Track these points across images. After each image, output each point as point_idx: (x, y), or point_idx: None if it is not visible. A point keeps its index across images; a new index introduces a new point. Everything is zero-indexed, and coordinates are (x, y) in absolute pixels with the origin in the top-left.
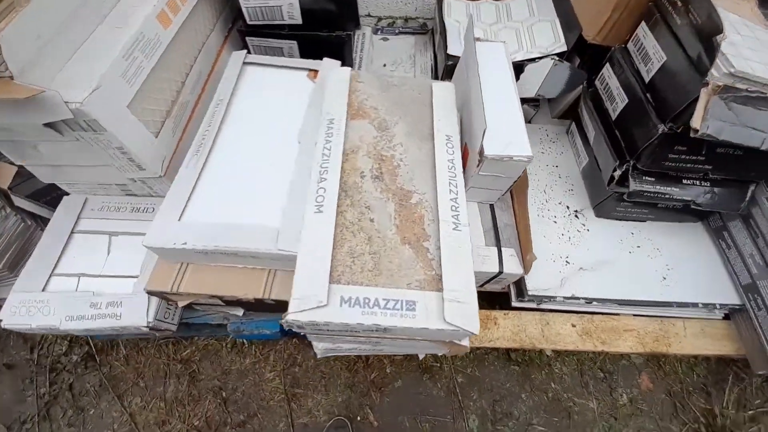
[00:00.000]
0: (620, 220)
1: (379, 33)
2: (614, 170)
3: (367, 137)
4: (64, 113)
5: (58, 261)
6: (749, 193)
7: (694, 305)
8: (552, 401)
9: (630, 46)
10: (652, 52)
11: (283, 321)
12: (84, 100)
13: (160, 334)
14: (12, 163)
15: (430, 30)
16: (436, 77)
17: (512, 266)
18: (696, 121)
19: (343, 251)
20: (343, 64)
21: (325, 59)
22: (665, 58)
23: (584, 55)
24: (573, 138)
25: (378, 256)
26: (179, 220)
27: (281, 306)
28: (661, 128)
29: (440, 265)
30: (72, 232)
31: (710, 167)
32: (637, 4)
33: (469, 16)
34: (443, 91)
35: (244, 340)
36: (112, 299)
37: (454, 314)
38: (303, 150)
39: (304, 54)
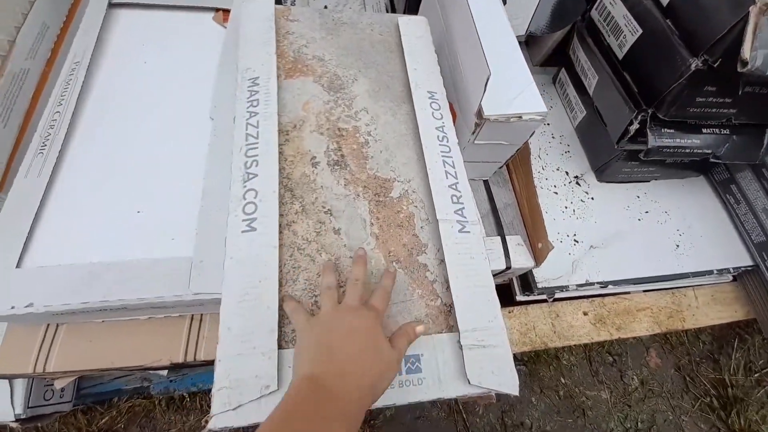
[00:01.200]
0: (624, 182)
1: None
2: (630, 123)
3: (314, 104)
4: None
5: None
6: (767, 140)
7: (709, 272)
8: (564, 399)
9: None
10: None
11: (205, 430)
12: None
13: (46, 419)
14: None
15: None
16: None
17: (521, 259)
18: (746, 51)
19: (298, 288)
20: None
21: None
22: None
23: None
24: (563, 88)
25: None
26: (18, 266)
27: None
28: (694, 63)
29: (447, 289)
30: None
31: (735, 111)
32: None
33: None
34: (415, 28)
35: (184, 393)
36: None
37: (480, 369)
38: (218, 131)
39: None
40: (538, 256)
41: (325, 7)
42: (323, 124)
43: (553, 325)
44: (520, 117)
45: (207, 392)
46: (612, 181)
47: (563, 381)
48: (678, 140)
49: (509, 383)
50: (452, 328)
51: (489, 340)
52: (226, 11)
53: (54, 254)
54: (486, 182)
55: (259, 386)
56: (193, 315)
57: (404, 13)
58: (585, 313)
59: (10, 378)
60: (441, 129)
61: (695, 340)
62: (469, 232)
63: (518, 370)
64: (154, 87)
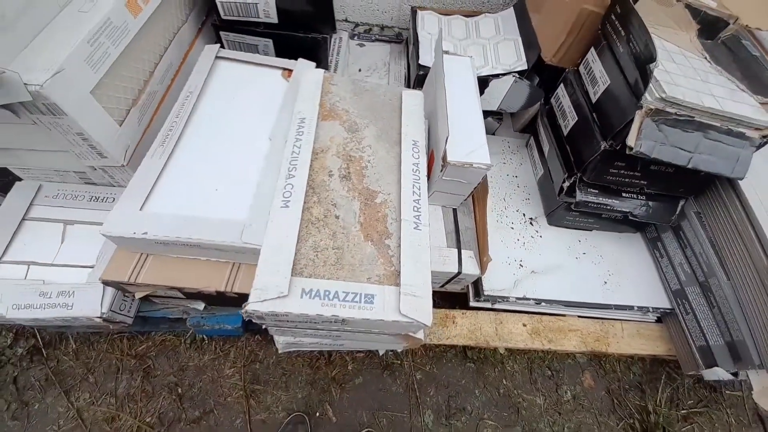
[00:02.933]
0: (570, 228)
1: (355, 38)
2: (564, 181)
3: (337, 138)
4: (23, 95)
5: (6, 248)
6: (679, 207)
7: (630, 308)
8: (503, 397)
9: (581, 68)
10: (598, 76)
11: (243, 311)
12: (44, 83)
13: (114, 327)
14: None
15: (405, 40)
16: (408, 86)
17: (470, 267)
18: (631, 140)
19: (307, 245)
20: (318, 66)
21: (300, 60)
22: (609, 82)
23: (542, 75)
24: (531, 151)
25: (341, 251)
26: (141, 209)
27: (243, 300)
28: (603, 145)
29: (399, 261)
30: (23, 219)
31: (645, 182)
32: (588, 31)
33: (439, 30)
34: (412, 99)
35: (204, 336)
36: (64, 288)
37: (409, 307)
38: (274, 148)
39: (280, 53)
40: (483, 267)
41: (359, 70)
42: (340, 151)
43: (496, 328)
44: (472, 164)
45: (221, 336)
46: (559, 226)
47: (504, 383)
48: (601, 199)
49: (425, 317)
50: (397, 284)
51: (418, 293)
52: (290, 71)
53: (164, 206)
54: (455, 210)
55: (277, 291)
56: (233, 263)
57: (414, 85)
58: (524, 324)
59: (111, 285)
60: (416, 165)
61: (627, 371)
62: (420, 230)
63: (467, 367)
64: (236, 114)
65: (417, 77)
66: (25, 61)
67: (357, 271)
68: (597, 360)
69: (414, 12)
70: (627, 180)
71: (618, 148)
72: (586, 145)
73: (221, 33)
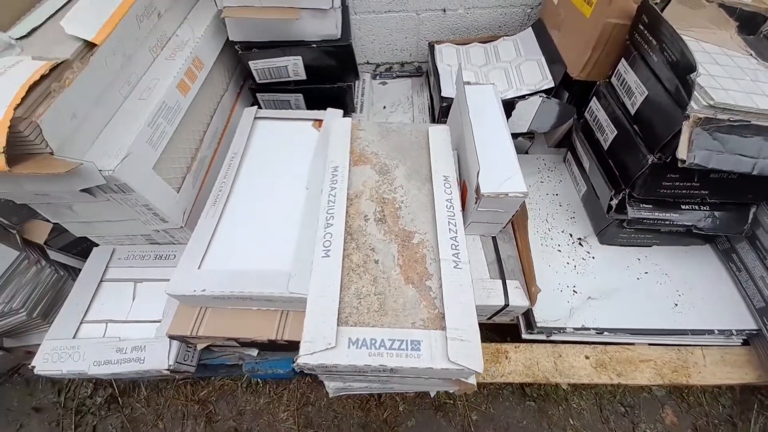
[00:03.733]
0: (625, 246)
1: (377, 78)
2: (611, 199)
3: (369, 182)
4: (98, 180)
5: (87, 309)
6: (751, 215)
7: (710, 332)
8: None
9: (613, 80)
10: (634, 87)
11: (294, 364)
12: (116, 168)
13: (179, 375)
14: (47, 220)
15: (425, 72)
16: (433, 117)
17: (518, 298)
18: (682, 152)
19: (350, 293)
20: (345, 112)
21: (329, 109)
22: (647, 92)
23: (572, 90)
24: (570, 166)
25: (383, 296)
26: (199, 268)
27: (294, 346)
28: (651, 159)
29: (443, 303)
30: (101, 281)
31: (706, 192)
32: (615, 43)
33: (458, 64)
34: (439, 134)
35: (259, 380)
36: (136, 344)
37: (457, 353)
38: (311, 197)
39: (310, 103)
40: (532, 298)
41: (384, 107)
42: (374, 195)
43: (555, 363)
44: (507, 194)
45: (276, 379)
46: (613, 244)
47: (572, 422)
48: (656, 214)
49: (476, 364)
50: (443, 327)
51: (465, 336)
52: (320, 121)
53: (219, 262)
54: (494, 238)
55: (325, 343)
56: (282, 310)
57: (439, 117)
58: (587, 357)
59: (176, 338)
60: (449, 201)
61: (714, 402)
62: (461, 269)
63: (527, 406)
64: (276, 169)
65: (441, 109)
66: (98, 150)
67: (401, 317)
68: (678, 392)
69: (431, 47)
70: (684, 191)
71: (668, 160)
72: (632, 159)
73: (257, 94)
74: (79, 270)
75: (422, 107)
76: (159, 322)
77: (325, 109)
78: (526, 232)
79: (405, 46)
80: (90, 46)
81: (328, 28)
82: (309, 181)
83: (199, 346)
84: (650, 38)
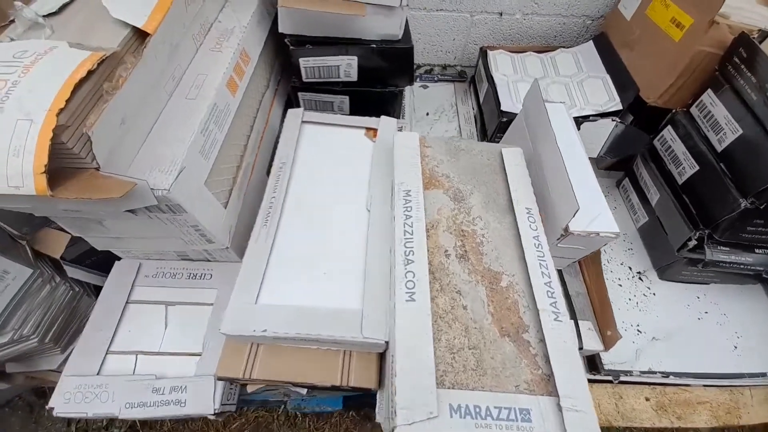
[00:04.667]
0: (684, 282)
1: (418, 80)
2: (689, 239)
3: (444, 210)
4: (149, 200)
5: (113, 337)
6: None
7: (764, 375)
8: None
9: (694, 111)
10: (723, 123)
11: None
12: (171, 187)
13: (219, 417)
14: (63, 229)
15: (471, 78)
16: (483, 129)
17: (592, 342)
18: None
19: (441, 346)
20: (391, 116)
21: (383, 117)
22: (741, 131)
23: (639, 115)
24: (627, 194)
25: (479, 351)
26: (256, 302)
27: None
28: (743, 203)
29: (546, 362)
30: (127, 302)
31: None
32: (701, 72)
33: (534, 80)
34: (514, 158)
35: (298, 413)
36: (176, 383)
37: (575, 428)
38: (374, 220)
39: (355, 107)
40: (607, 342)
41: (427, 113)
42: (451, 225)
43: (616, 405)
44: (598, 234)
45: (316, 415)
46: (672, 280)
47: None
48: (733, 257)
49: None
50: (551, 393)
51: (580, 407)
52: (374, 130)
53: (277, 296)
54: (560, 271)
55: (426, 412)
56: (343, 351)
57: (494, 132)
58: (647, 399)
59: (225, 380)
60: (536, 238)
61: None
62: (561, 321)
63: None
64: (329, 183)
65: (499, 124)
66: (145, 162)
67: (502, 377)
68: (719, 428)
69: (484, 52)
70: (764, 236)
71: (762, 206)
72: (716, 200)
73: (299, 93)
74: (94, 285)
75: (468, 117)
76: (199, 355)
77: (369, 113)
78: (600, 270)
79: (451, 48)
80: (140, 34)
81: (391, 27)
82: (369, 201)
83: (250, 389)
84: (747, 73)
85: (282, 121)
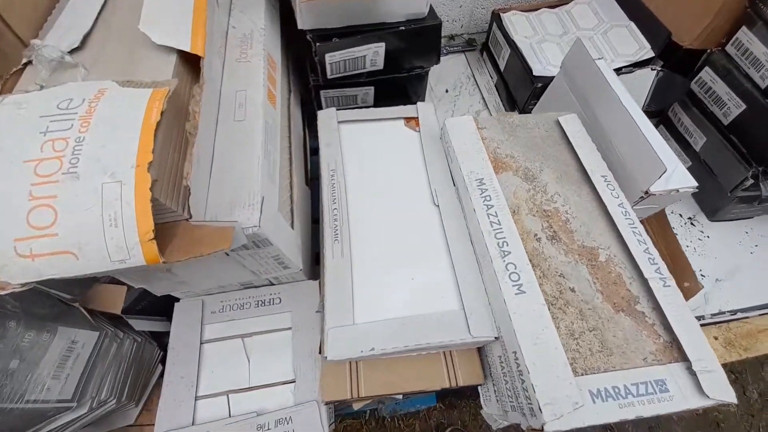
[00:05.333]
0: (733, 220)
1: None
2: (745, 179)
3: (520, 192)
4: (240, 240)
5: (197, 381)
6: None
7: None
8: (700, 416)
9: (730, 50)
10: (764, 59)
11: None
12: (260, 222)
13: None
14: (118, 282)
15: (481, 46)
16: (510, 98)
17: None
18: None
19: (562, 333)
20: (416, 100)
21: (420, 104)
22: None
23: (670, 60)
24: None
25: (599, 332)
26: (353, 323)
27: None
28: None
29: (665, 330)
30: (201, 344)
31: None
32: (730, 9)
33: (577, 40)
34: (572, 125)
35: (388, 416)
36: (279, 416)
37: (712, 387)
38: (447, 215)
39: (379, 97)
40: (686, 294)
41: (446, 90)
42: (532, 208)
43: None
44: (678, 190)
45: (405, 416)
46: (722, 220)
47: None
48: None
49: (729, 395)
50: (677, 359)
51: (711, 367)
52: (414, 119)
53: (372, 312)
54: None
55: (571, 403)
56: (443, 353)
57: (527, 100)
58: (716, 338)
59: (333, 404)
60: (621, 206)
61: None
62: (669, 286)
63: None
64: (384, 183)
65: (533, 91)
66: (220, 198)
67: (628, 353)
68: None
69: (497, 16)
70: None
71: None
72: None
73: (322, 92)
74: (153, 332)
75: (489, 87)
76: (293, 382)
77: (394, 101)
78: (666, 222)
79: (458, 16)
80: (186, 58)
81: (416, 5)
82: (436, 196)
83: (356, 406)
84: None
85: (304, 126)
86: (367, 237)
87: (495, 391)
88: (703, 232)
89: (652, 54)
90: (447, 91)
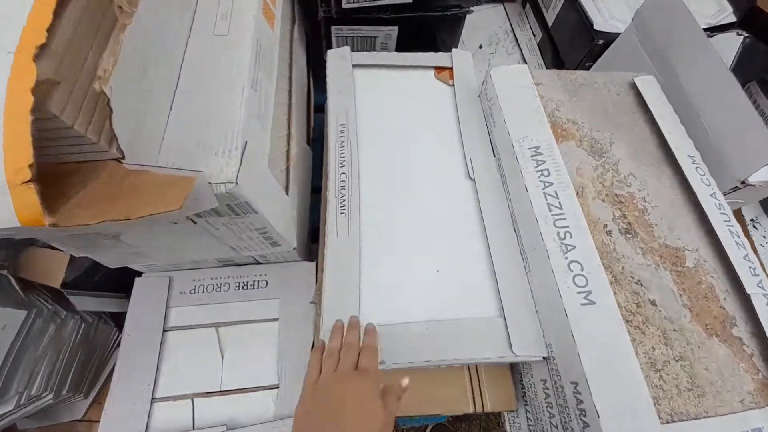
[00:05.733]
0: None
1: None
2: None
3: (585, 169)
4: (208, 203)
5: (156, 379)
6: None
7: None
8: None
9: None
10: None
11: None
12: (237, 176)
13: None
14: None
15: None
16: (557, 60)
17: None
18: None
19: (642, 362)
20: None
21: (456, 51)
22: None
23: (752, 25)
24: None
25: (688, 363)
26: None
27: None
28: None
29: (764, 361)
30: (164, 330)
31: None
32: None
33: None
34: (652, 90)
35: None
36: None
37: None
38: (485, 193)
39: (403, 43)
40: None
41: (480, 46)
42: (601, 190)
43: None
44: None
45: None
46: None
47: None
48: None
49: None
50: None
51: None
52: (447, 69)
53: (386, 314)
54: None
55: None
56: (468, 367)
57: (582, 61)
58: None
59: None
60: (714, 196)
61: None
62: None
63: None
64: (406, 143)
65: (592, 49)
66: (182, 137)
67: (723, 393)
68: None
69: None
70: None
71: None
72: None
73: (333, 28)
74: (109, 313)
75: (531, 46)
76: (275, 388)
77: (420, 49)
78: (744, 223)
79: None
80: None
81: None
82: (471, 168)
83: None
84: None
85: (308, 74)
86: (381, 213)
87: (529, 420)
88: (765, 237)
89: (733, 18)
90: (481, 47)
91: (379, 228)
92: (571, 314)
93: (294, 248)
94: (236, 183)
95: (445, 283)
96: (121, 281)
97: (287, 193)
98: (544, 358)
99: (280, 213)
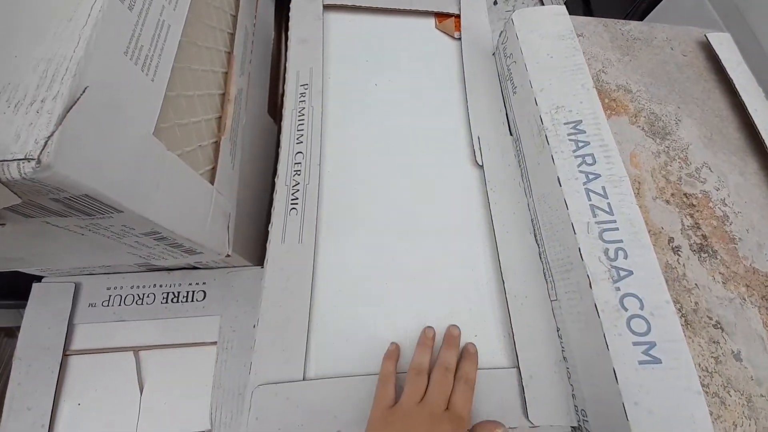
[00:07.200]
0: None
1: None
2: None
3: (642, 156)
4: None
5: (52, 420)
6: None
7: None
8: None
9: None
10: None
11: None
12: (49, 151)
13: None
14: None
15: None
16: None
17: None
18: None
19: None
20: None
21: None
22: None
23: None
24: None
25: None
26: (303, 378)
27: None
28: None
29: None
30: (65, 354)
31: None
32: None
33: None
34: (730, 52)
35: None
36: None
37: None
38: (496, 185)
39: None
40: None
41: (495, 2)
42: (664, 187)
43: None
44: None
45: None
46: None
47: None
48: None
49: None
50: None
51: None
52: (454, 17)
53: (342, 359)
54: None
55: None
56: None
57: (629, 15)
58: None
59: None
60: None
61: None
62: None
63: None
64: (389, 115)
65: (640, 3)
66: None
67: None
68: None
69: None
70: None
71: None
72: None
73: None
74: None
75: (557, 2)
76: None
77: None
78: None
79: None
80: None
81: None
82: (480, 150)
83: None
84: None
85: (279, 25)
86: (350, 211)
87: None
88: None
89: None
90: (496, 2)
91: (346, 233)
92: (624, 378)
93: (228, 254)
94: (38, 161)
95: (436, 320)
96: (18, 285)
97: (212, 181)
98: (572, 428)
99: (190, 208)
